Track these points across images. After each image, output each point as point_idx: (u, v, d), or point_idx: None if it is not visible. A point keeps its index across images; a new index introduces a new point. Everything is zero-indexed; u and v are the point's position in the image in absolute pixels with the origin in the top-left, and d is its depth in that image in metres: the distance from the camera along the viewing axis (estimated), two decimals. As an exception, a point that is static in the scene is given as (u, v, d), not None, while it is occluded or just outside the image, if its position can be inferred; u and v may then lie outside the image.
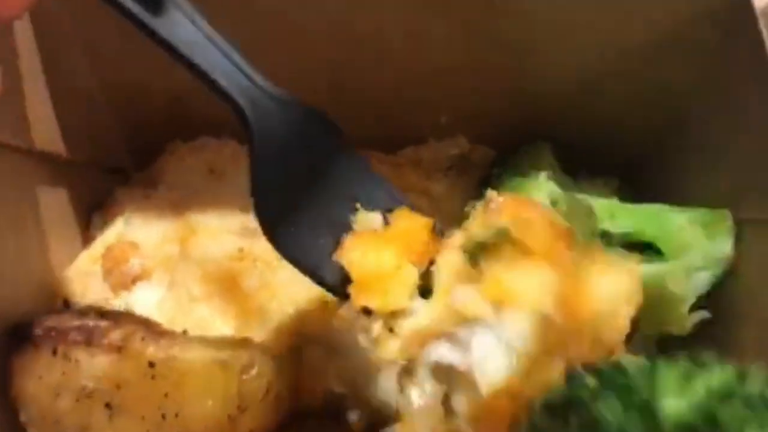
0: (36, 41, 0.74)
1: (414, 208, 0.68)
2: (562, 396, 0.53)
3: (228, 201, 0.82)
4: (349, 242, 0.64)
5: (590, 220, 0.72)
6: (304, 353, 0.73)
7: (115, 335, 0.66)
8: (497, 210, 0.63)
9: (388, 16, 0.75)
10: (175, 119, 0.85)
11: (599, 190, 0.81)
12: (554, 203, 0.74)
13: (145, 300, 0.77)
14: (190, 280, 0.77)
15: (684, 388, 0.50)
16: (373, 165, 0.72)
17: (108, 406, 0.64)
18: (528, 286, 0.60)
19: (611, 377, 0.52)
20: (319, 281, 0.64)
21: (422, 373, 0.62)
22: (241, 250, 0.78)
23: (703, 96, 0.76)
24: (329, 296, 0.70)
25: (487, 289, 0.60)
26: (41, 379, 0.65)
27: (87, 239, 0.84)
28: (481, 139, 0.88)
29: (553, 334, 0.59)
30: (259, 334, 0.74)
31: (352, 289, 0.62)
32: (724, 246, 0.69)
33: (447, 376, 0.62)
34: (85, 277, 0.79)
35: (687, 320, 0.68)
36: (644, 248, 0.73)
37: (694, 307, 0.70)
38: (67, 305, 0.78)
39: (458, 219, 0.75)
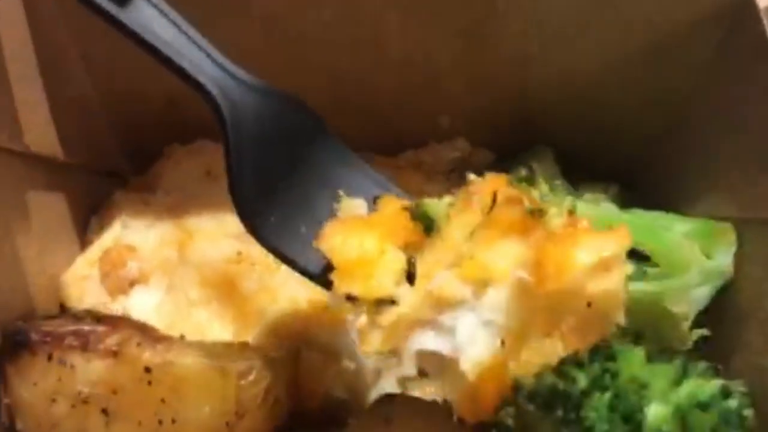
0: (33, 46, 0.74)
1: (402, 196, 0.67)
2: (551, 387, 0.54)
3: (226, 204, 0.79)
4: (329, 228, 0.62)
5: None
6: (303, 357, 0.72)
7: (112, 340, 0.65)
8: (476, 191, 0.62)
9: (388, 20, 0.75)
10: (172, 123, 0.85)
11: (599, 196, 0.80)
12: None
13: (142, 304, 0.77)
14: (188, 284, 0.77)
15: (670, 394, 0.52)
16: (374, 167, 0.71)
17: (104, 411, 0.64)
18: (504, 262, 0.58)
19: (602, 378, 0.53)
20: (302, 271, 0.63)
21: (407, 363, 0.61)
22: (239, 253, 0.77)
23: (703, 98, 0.75)
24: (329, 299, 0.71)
25: (465, 271, 0.59)
26: (37, 385, 0.65)
27: (84, 243, 0.83)
28: (481, 143, 0.88)
29: (537, 307, 0.57)
30: (257, 337, 0.73)
31: (334, 276, 0.60)
32: (724, 260, 0.68)
33: (432, 363, 0.60)
34: (81, 281, 0.79)
35: (688, 337, 0.67)
36: (642, 257, 0.72)
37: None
38: (63, 310, 0.78)
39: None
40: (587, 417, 0.52)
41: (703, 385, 0.54)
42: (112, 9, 0.58)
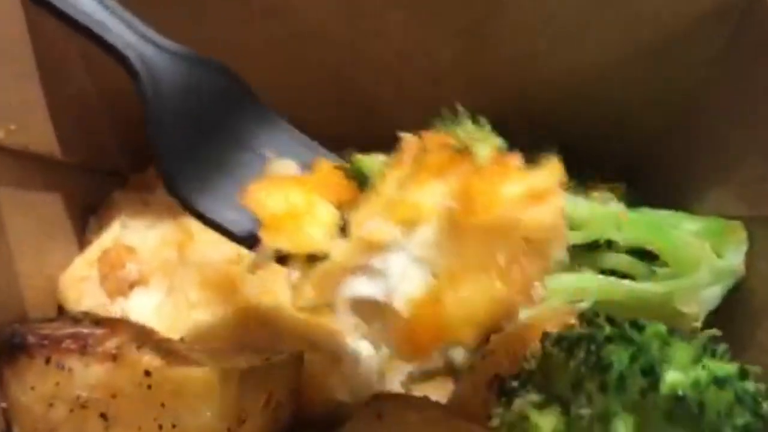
0: (32, 44, 0.74)
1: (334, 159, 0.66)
2: (577, 333, 0.56)
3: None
4: (256, 185, 0.60)
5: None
6: (305, 361, 0.71)
7: (110, 343, 0.64)
8: (408, 146, 0.62)
9: (389, 17, 0.74)
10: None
11: (605, 195, 0.79)
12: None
13: (142, 306, 0.76)
14: (189, 286, 0.76)
15: (690, 367, 0.53)
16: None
17: (103, 416, 0.63)
18: (432, 199, 0.58)
19: (628, 332, 0.55)
20: (230, 235, 0.62)
21: (342, 312, 0.60)
22: (240, 254, 0.76)
23: (710, 94, 0.75)
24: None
25: (394, 212, 0.58)
26: (34, 390, 0.63)
27: (82, 243, 0.83)
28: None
29: (470, 242, 0.57)
30: (259, 340, 0.73)
31: (261, 232, 0.59)
32: (735, 259, 0.68)
33: (368, 311, 0.59)
34: (80, 282, 0.78)
35: None
36: (652, 257, 0.71)
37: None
38: (61, 312, 0.77)
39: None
40: (608, 362, 0.53)
41: (721, 365, 0.54)
42: None
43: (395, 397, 0.73)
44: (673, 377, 0.51)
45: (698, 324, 0.66)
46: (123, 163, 0.91)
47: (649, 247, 0.71)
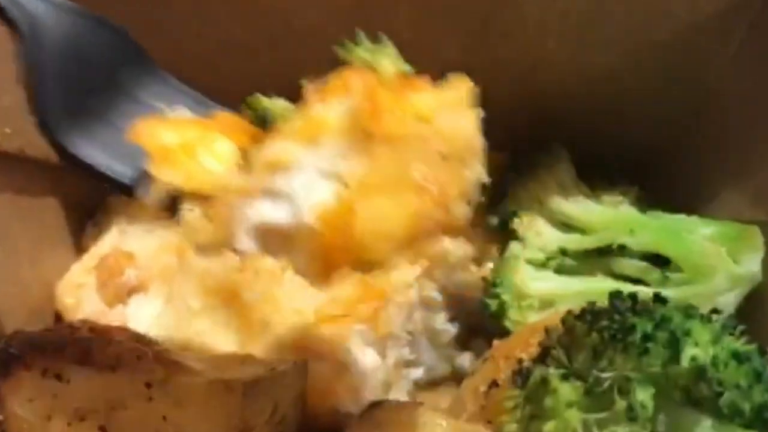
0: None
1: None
2: (600, 306, 0.56)
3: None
4: (145, 121, 0.60)
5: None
6: (310, 370, 0.69)
7: (109, 354, 0.62)
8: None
9: (398, 12, 0.73)
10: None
11: (617, 198, 0.77)
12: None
13: (141, 313, 0.75)
14: (189, 293, 0.74)
15: (710, 344, 0.53)
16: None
17: (102, 429, 0.61)
18: (336, 112, 0.57)
19: (652, 306, 0.55)
20: (107, 179, 0.62)
21: (246, 243, 0.58)
22: (242, 260, 0.74)
23: (727, 93, 0.74)
24: (337, 309, 0.68)
25: (297, 132, 0.57)
26: (32, 402, 0.62)
27: (80, 249, 0.81)
28: (494, 143, 0.85)
29: (381, 153, 0.55)
30: (262, 349, 0.71)
31: (150, 166, 0.58)
32: (752, 265, 0.67)
33: (275, 238, 0.57)
34: (78, 289, 0.76)
35: None
36: (666, 261, 0.70)
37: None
38: (59, 319, 0.76)
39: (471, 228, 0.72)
40: (632, 325, 0.52)
41: (740, 343, 0.54)
42: None
43: (393, 404, 0.71)
44: (694, 352, 0.51)
45: None
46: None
47: (662, 253, 0.69)
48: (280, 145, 0.56)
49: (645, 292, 0.66)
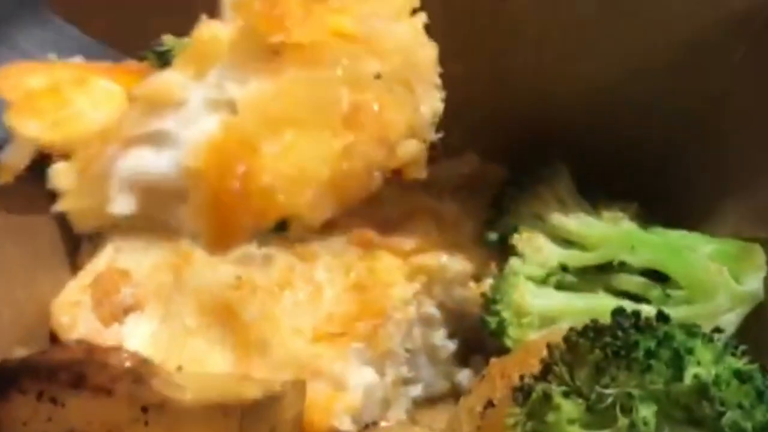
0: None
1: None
2: (604, 323, 0.55)
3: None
4: (8, 69, 0.51)
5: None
6: (307, 389, 0.68)
7: (105, 377, 0.61)
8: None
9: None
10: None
11: (618, 215, 0.77)
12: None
13: (137, 333, 0.73)
14: (185, 311, 0.73)
15: (713, 364, 0.52)
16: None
17: (98, 453, 0.60)
18: (227, 30, 0.48)
19: (655, 324, 0.54)
20: None
21: (120, 201, 0.48)
22: (239, 278, 0.73)
23: (729, 107, 0.73)
24: (335, 327, 0.69)
25: (187, 58, 0.48)
26: (26, 426, 0.61)
27: (75, 267, 0.79)
28: (492, 158, 0.84)
29: (291, 78, 0.46)
30: (259, 368, 0.70)
31: (8, 116, 0.49)
32: (753, 284, 0.66)
33: (158, 194, 0.48)
34: (73, 308, 0.75)
35: None
36: (666, 277, 0.69)
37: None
38: (54, 339, 0.74)
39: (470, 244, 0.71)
40: (635, 342, 0.52)
41: (742, 362, 0.54)
42: None
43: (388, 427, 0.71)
44: (697, 370, 0.51)
45: None
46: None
47: (663, 270, 0.68)
48: (159, 78, 0.45)
49: (647, 310, 0.66)
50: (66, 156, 0.49)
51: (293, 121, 0.45)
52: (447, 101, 0.78)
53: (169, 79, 0.46)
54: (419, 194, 0.81)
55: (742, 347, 0.55)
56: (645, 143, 0.79)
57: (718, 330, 0.56)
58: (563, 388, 0.53)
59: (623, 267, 0.71)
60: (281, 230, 0.47)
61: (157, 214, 0.47)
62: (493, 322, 0.74)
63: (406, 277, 0.76)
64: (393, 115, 0.46)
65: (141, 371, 0.62)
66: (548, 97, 0.77)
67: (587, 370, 0.53)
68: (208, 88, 0.47)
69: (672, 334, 0.53)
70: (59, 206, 0.48)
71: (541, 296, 0.73)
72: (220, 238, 0.45)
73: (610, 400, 0.50)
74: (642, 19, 0.70)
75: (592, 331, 0.55)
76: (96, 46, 0.61)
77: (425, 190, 0.81)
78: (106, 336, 0.73)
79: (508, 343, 0.72)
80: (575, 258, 0.74)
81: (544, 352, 0.57)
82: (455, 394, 0.78)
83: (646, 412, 0.50)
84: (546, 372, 0.56)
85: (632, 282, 0.71)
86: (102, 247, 0.78)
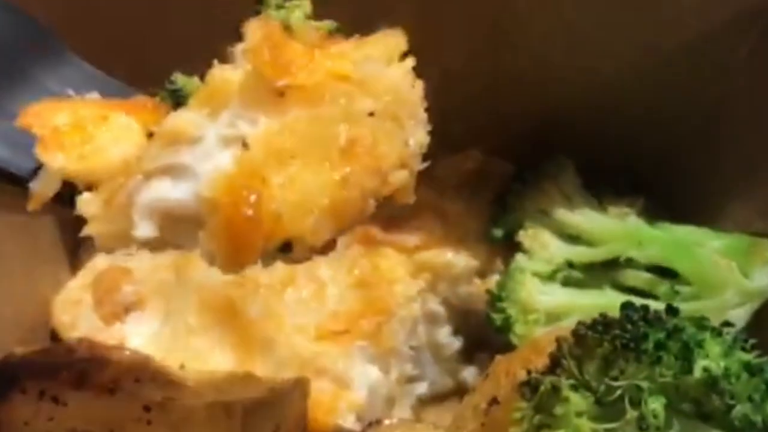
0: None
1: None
2: (613, 316, 0.54)
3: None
4: (35, 106, 0.54)
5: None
6: (312, 387, 0.68)
7: (107, 376, 0.61)
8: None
9: (401, 11, 0.71)
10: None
11: (624, 210, 0.76)
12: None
13: (139, 331, 0.73)
14: (187, 309, 0.73)
15: (722, 357, 0.52)
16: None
17: (100, 452, 0.60)
18: (237, 72, 0.52)
19: (664, 317, 0.54)
20: (13, 176, 0.55)
21: (145, 230, 0.53)
22: (241, 276, 0.72)
23: (737, 103, 0.73)
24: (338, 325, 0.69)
25: (201, 99, 0.52)
26: (28, 425, 0.60)
27: (76, 265, 0.80)
28: (497, 153, 0.84)
29: (294, 114, 0.51)
30: (263, 367, 0.69)
31: (38, 149, 0.52)
32: (763, 279, 0.66)
33: (177, 222, 0.52)
34: (73, 306, 0.75)
35: None
36: (674, 274, 0.69)
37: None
38: (54, 338, 0.74)
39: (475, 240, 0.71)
40: (644, 333, 0.52)
41: (754, 356, 0.53)
42: None
43: (392, 423, 0.70)
44: (706, 363, 0.50)
45: None
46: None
47: (671, 266, 0.68)
48: (178, 117, 0.51)
49: (655, 305, 0.65)
50: (89, 186, 0.53)
51: (297, 154, 0.50)
52: (451, 97, 0.79)
53: (187, 119, 0.52)
54: (423, 191, 0.80)
55: (751, 341, 0.55)
56: (652, 139, 0.78)
57: (727, 324, 0.56)
58: (572, 381, 0.52)
59: (630, 263, 0.71)
60: (285, 251, 0.50)
61: (175, 239, 0.51)
62: (498, 319, 0.73)
63: (411, 274, 0.75)
64: (385, 148, 0.51)
65: (143, 370, 0.62)
66: (554, 93, 0.77)
67: (596, 362, 0.52)
68: (221, 126, 0.52)
69: (681, 326, 0.52)
70: (86, 231, 0.53)
71: (548, 293, 0.72)
72: (235, 259, 0.50)
73: (618, 392, 0.50)
74: (651, 15, 0.70)
75: (601, 324, 0.54)
76: (111, 82, 0.63)
77: (429, 187, 0.81)
78: (107, 335, 0.73)
79: (514, 340, 0.72)
80: (582, 254, 0.74)
81: (553, 346, 0.56)
82: (460, 391, 0.78)
83: (655, 404, 0.50)
84: (554, 365, 0.55)
85: (639, 278, 0.71)
86: (103, 245, 0.78)
